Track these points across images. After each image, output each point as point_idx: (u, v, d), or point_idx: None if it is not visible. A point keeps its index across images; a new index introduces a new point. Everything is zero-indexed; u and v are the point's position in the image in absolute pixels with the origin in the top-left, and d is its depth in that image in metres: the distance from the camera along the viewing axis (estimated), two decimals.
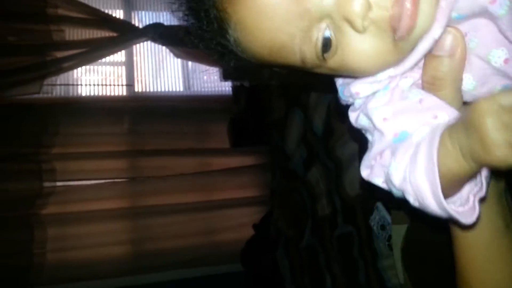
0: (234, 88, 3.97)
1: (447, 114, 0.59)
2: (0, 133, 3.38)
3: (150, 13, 4.04)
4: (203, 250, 3.73)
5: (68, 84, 3.80)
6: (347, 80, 0.69)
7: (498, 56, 0.59)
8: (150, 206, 3.70)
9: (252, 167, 3.91)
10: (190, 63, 4.15)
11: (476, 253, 0.73)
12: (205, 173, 3.83)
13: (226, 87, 4.14)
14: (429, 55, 0.62)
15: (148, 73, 4.03)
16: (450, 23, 0.60)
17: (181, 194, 3.77)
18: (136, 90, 3.98)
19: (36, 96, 3.59)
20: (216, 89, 4.25)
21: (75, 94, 3.83)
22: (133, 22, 3.95)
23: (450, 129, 0.54)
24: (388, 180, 0.61)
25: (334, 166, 2.09)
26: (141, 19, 4.04)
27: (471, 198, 0.59)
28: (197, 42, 0.72)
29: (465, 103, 0.65)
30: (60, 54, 3.60)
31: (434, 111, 0.60)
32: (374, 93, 0.65)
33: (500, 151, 0.48)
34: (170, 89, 4.12)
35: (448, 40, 0.60)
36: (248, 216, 3.72)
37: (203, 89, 4.23)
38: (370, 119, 0.64)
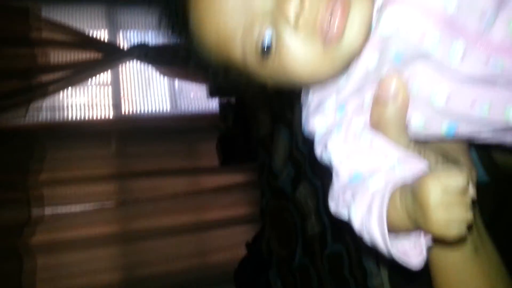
0: (221, 105, 3.95)
1: (397, 153, 0.66)
2: None
3: (136, 31, 4.03)
4: (196, 272, 3.66)
5: (54, 108, 3.76)
6: (308, 113, 0.74)
7: (440, 95, 0.64)
8: (141, 230, 3.63)
9: (242, 185, 3.87)
10: (176, 82, 4.14)
11: (449, 275, 0.78)
12: (196, 192, 3.78)
13: (213, 104, 4.11)
14: (374, 99, 0.68)
15: (135, 93, 4.00)
16: (390, 69, 0.66)
17: (172, 215, 3.71)
18: (123, 110, 3.94)
19: (21, 121, 3.54)
20: (203, 107, 4.22)
21: (61, 117, 3.79)
22: (118, 42, 3.94)
23: (401, 193, 0.60)
24: (350, 220, 0.67)
25: (321, 183, 2.05)
26: (128, 37, 4.03)
27: (422, 241, 0.63)
28: (169, 30, 0.80)
29: (418, 141, 0.71)
30: (45, 78, 3.57)
31: (384, 151, 0.66)
32: (329, 131, 0.70)
33: (439, 227, 0.55)
34: (157, 109, 4.08)
35: (391, 85, 0.66)
36: (241, 235, 3.66)
37: (190, 108, 4.20)
38: (329, 158, 0.70)
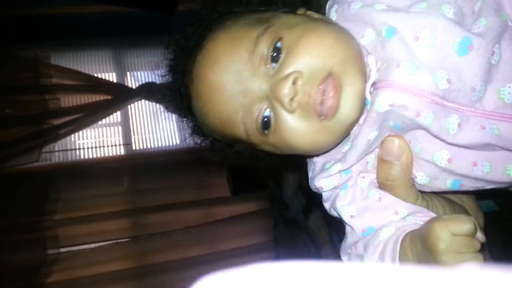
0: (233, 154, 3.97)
1: (406, 209, 0.69)
2: (1, 204, 3.39)
3: (143, 72, 4.14)
4: None
5: (66, 150, 3.84)
6: (314, 174, 0.80)
7: (441, 158, 0.68)
8: (156, 264, 3.64)
9: (254, 213, 3.87)
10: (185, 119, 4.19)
11: None
12: (209, 224, 3.79)
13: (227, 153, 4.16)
14: (380, 160, 0.73)
15: (145, 131, 4.08)
16: (391, 132, 0.70)
17: (187, 248, 3.72)
18: (133, 148, 4.02)
19: (35, 164, 3.62)
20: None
21: (73, 158, 3.87)
22: (127, 82, 4.05)
23: (410, 240, 0.63)
24: None
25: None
26: (135, 78, 4.13)
27: None
28: (177, 116, 0.92)
29: (423, 192, 0.75)
30: (56, 122, 3.67)
31: (394, 208, 0.70)
32: (335, 188, 0.75)
33: None
34: (167, 144, 4.15)
35: (394, 147, 0.70)
36: (256, 264, 3.64)
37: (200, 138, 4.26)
38: (339, 215, 0.74)
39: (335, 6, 0.79)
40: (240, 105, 0.74)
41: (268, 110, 0.73)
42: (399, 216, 0.69)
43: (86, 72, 3.81)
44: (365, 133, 0.69)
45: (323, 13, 0.85)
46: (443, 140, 0.66)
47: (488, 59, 0.64)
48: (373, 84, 0.70)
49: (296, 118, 0.70)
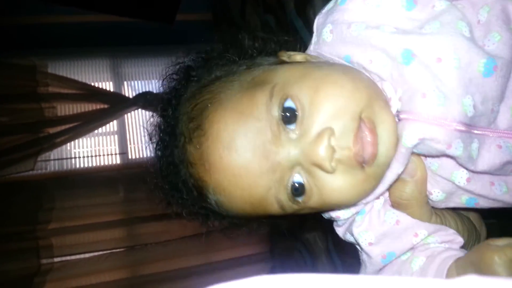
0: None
1: (425, 230, 0.67)
2: None
3: (140, 82, 4.15)
4: None
5: (62, 159, 3.83)
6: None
7: (460, 177, 0.65)
8: (152, 274, 3.61)
9: None
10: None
11: None
12: (204, 234, 3.75)
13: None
14: None
15: (141, 140, 4.08)
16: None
17: (182, 258, 3.69)
18: (130, 157, 4.01)
19: (30, 172, 3.60)
20: None
21: (69, 167, 3.85)
22: (124, 92, 4.05)
23: (457, 269, 0.60)
24: None
25: (330, 222, 2.07)
26: (132, 88, 4.14)
27: None
28: (180, 209, 0.82)
29: (436, 208, 0.72)
30: (52, 130, 3.66)
31: (413, 230, 0.67)
32: (353, 216, 0.71)
33: None
34: None
35: (409, 165, 0.66)
36: (252, 275, 3.50)
37: None
38: (357, 242, 0.70)
39: (329, 26, 0.72)
40: (270, 181, 0.65)
41: (298, 175, 0.66)
42: (419, 238, 0.66)
43: (83, 80, 3.81)
44: (395, 169, 0.65)
45: (310, 32, 0.78)
46: (468, 169, 0.63)
47: (507, 79, 0.62)
48: (397, 113, 0.65)
49: (339, 176, 0.64)
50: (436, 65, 0.60)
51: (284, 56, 0.76)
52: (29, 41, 3.57)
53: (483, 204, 0.68)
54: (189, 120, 0.72)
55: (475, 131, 0.62)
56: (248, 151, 0.65)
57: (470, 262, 0.60)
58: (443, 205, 0.71)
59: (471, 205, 0.69)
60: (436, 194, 0.69)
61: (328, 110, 0.63)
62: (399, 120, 0.64)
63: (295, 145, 0.64)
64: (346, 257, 1.98)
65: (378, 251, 0.68)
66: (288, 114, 0.64)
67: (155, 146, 0.82)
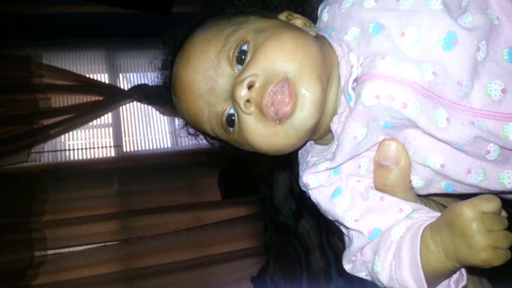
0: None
1: (409, 205, 0.68)
2: None
3: (136, 74, 4.12)
4: None
5: (56, 150, 3.80)
6: (302, 171, 0.78)
7: (434, 162, 0.67)
8: (145, 268, 3.61)
9: (245, 218, 3.87)
10: (176, 119, 4.18)
11: None
12: (199, 228, 3.77)
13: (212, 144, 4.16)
14: (377, 165, 0.71)
15: (136, 133, 4.06)
16: (383, 134, 0.69)
17: (176, 251, 3.69)
18: (124, 150, 3.99)
19: (24, 164, 3.57)
20: (204, 142, 4.26)
21: (63, 159, 3.83)
22: (119, 84, 4.02)
23: (432, 231, 0.62)
24: (374, 277, 0.69)
25: (323, 217, 2.07)
26: (127, 80, 4.11)
27: (452, 286, 0.65)
28: (167, 113, 1.00)
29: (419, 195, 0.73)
30: (47, 122, 3.63)
31: (397, 206, 0.68)
32: (321, 187, 0.74)
33: (486, 254, 0.55)
34: (158, 146, 4.13)
35: (391, 151, 0.69)
36: (246, 269, 3.63)
37: (190, 144, 4.25)
38: (342, 222, 0.71)
39: (327, 8, 0.80)
40: (205, 104, 0.78)
41: (232, 109, 0.77)
42: (404, 213, 0.68)
43: (78, 72, 3.78)
44: (350, 128, 0.68)
45: (315, 17, 0.85)
46: (433, 136, 0.64)
47: (473, 54, 0.64)
48: (356, 79, 0.70)
49: (253, 120, 0.73)
50: (399, 38, 0.66)
51: (284, 14, 0.87)
52: (23, 31, 3.53)
53: (461, 190, 0.70)
54: (182, 37, 0.87)
55: (444, 101, 0.64)
56: (196, 72, 0.78)
57: (442, 221, 0.61)
58: (424, 192, 0.73)
59: (450, 190, 0.70)
60: (416, 181, 0.71)
61: (262, 61, 0.73)
62: (357, 84, 0.69)
63: (231, 81, 0.75)
64: (339, 251, 1.98)
65: (365, 227, 0.69)
66: (242, 56, 0.76)
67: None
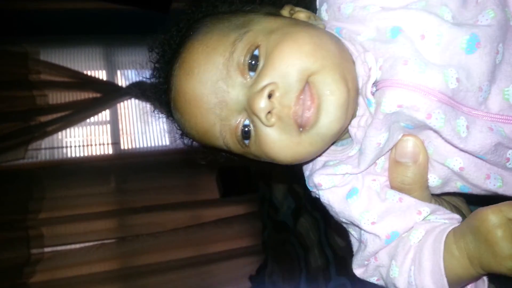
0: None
1: (428, 207, 0.65)
2: None
3: (134, 71, 4.09)
4: None
5: (53, 148, 3.78)
6: (312, 171, 0.74)
7: (453, 164, 0.64)
8: (142, 266, 3.60)
9: (243, 216, 3.86)
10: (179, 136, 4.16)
11: None
12: (197, 226, 3.76)
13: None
14: (393, 162, 0.67)
15: (134, 130, 4.03)
16: (404, 132, 0.65)
17: (174, 250, 3.68)
18: (122, 147, 3.96)
19: (21, 161, 3.55)
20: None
21: (60, 156, 3.80)
22: (117, 81, 3.99)
23: (455, 237, 0.59)
24: (389, 282, 0.66)
25: (322, 216, 2.06)
26: (125, 77, 4.08)
27: None
28: (168, 119, 0.89)
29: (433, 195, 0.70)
30: (44, 119, 3.61)
31: (416, 208, 0.65)
32: (334, 187, 0.70)
33: (511, 262, 0.53)
34: (156, 144, 4.11)
35: (410, 147, 0.65)
36: (244, 267, 3.63)
37: (189, 141, 4.22)
38: (358, 224, 0.68)
39: (325, 6, 0.76)
40: (217, 118, 0.71)
41: (247, 120, 0.70)
42: (422, 216, 0.64)
43: (76, 69, 3.75)
44: (373, 136, 0.64)
45: (314, 8, 0.81)
46: (455, 146, 0.62)
47: (494, 57, 0.61)
48: (375, 83, 0.65)
49: (276, 132, 0.67)
50: (420, 42, 0.62)
51: (286, 10, 0.80)
52: (20, 27, 3.50)
53: (476, 192, 0.68)
54: (176, 43, 0.80)
55: (463, 108, 0.61)
56: (203, 84, 0.70)
57: (467, 227, 0.58)
58: (439, 191, 0.70)
59: (465, 191, 0.68)
60: (433, 179, 0.68)
61: (279, 66, 0.66)
62: (377, 89, 0.64)
63: (245, 91, 0.68)
64: (338, 249, 1.97)
65: (383, 230, 0.65)
66: (253, 62, 0.68)
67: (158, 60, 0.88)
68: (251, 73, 0.69)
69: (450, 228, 0.61)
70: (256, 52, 0.69)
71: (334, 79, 0.64)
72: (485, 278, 0.62)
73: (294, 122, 0.65)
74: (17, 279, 3.30)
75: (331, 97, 0.64)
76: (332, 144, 0.76)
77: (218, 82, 0.69)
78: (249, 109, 0.67)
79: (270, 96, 0.65)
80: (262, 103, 0.64)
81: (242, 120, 0.70)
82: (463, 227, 0.59)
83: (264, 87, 0.65)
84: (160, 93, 0.84)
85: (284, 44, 0.67)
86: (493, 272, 0.56)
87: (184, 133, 0.84)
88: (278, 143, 0.67)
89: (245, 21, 0.74)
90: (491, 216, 0.54)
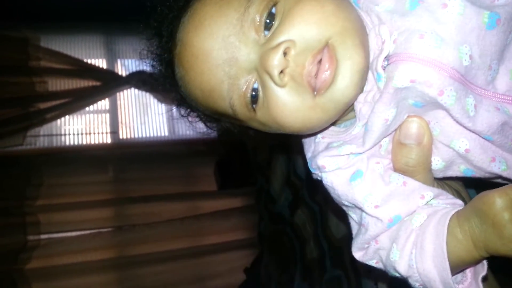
0: (219, 130, 3.96)
1: (431, 191, 0.64)
2: None
3: (134, 60, 4.08)
4: None
5: (51, 135, 3.77)
6: (314, 153, 0.72)
7: (459, 146, 0.63)
8: (138, 255, 3.60)
9: (240, 209, 3.87)
10: (174, 107, 4.16)
11: None
12: (193, 217, 3.77)
13: (211, 129, 4.15)
14: (397, 144, 0.66)
15: (133, 120, 4.03)
16: (411, 112, 0.64)
17: (170, 240, 3.69)
18: (120, 137, 3.96)
19: (19, 148, 3.55)
20: (202, 131, 4.25)
21: (59, 144, 3.80)
22: (117, 70, 3.98)
23: (459, 220, 0.58)
24: (389, 265, 0.65)
25: (319, 208, 2.07)
26: (126, 66, 4.07)
27: (469, 274, 0.62)
28: (160, 86, 0.82)
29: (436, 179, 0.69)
30: (43, 105, 3.60)
31: (419, 192, 0.64)
32: (338, 169, 0.68)
33: None
34: (155, 134, 4.11)
35: (414, 128, 0.64)
36: (239, 260, 3.64)
37: (188, 133, 4.22)
38: (361, 207, 0.66)
39: None
40: (225, 76, 0.66)
41: (256, 82, 0.66)
42: (425, 200, 0.64)
43: (76, 56, 3.74)
44: (381, 112, 0.62)
45: None
46: (463, 125, 0.61)
47: (507, 36, 0.61)
48: (387, 57, 0.63)
49: (287, 93, 0.63)
50: (441, 10, 0.59)
51: None
52: (21, 13, 3.48)
53: (480, 175, 0.67)
54: None
55: (472, 86, 0.61)
56: (213, 38, 0.66)
57: (471, 209, 0.58)
58: (441, 175, 0.69)
59: (468, 175, 0.68)
60: (436, 162, 0.67)
61: (299, 24, 0.62)
62: (389, 63, 0.62)
63: (258, 49, 0.65)
64: (335, 241, 1.98)
65: (386, 214, 0.64)
66: (268, 20, 0.65)
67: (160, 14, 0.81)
68: (266, 32, 0.65)
69: (453, 211, 0.61)
70: (273, 11, 0.65)
71: (354, 44, 0.62)
72: (484, 262, 0.62)
73: (307, 83, 0.62)
74: (12, 265, 3.30)
75: (349, 61, 0.61)
76: (334, 125, 0.74)
77: (230, 37, 0.65)
78: (260, 67, 0.63)
79: (285, 54, 0.62)
80: (276, 60, 0.61)
81: (252, 81, 0.66)
82: (468, 210, 0.59)
83: (280, 43, 0.62)
84: (162, 52, 0.78)
85: (306, 2, 0.63)
86: (498, 254, 0.56)
87: (184, 99, 0.78)
88: (289, 105, 0.64)
89: None
90: (498, 199, 0.54)
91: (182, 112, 0.85)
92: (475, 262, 0.60)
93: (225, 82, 0.67)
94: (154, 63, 0.81)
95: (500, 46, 0.60)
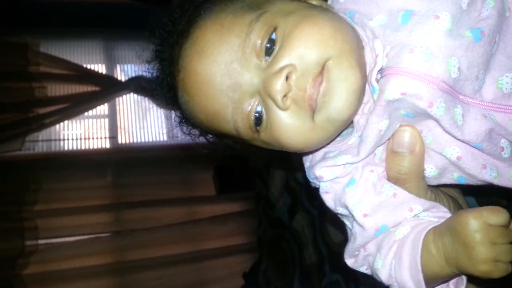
0: (222, 146, 3.96)
1: (420, 205, 0.66)
2: None
3: (133, 65, 4.09)
4: None
5: (50, 140, 3.77)
6: (312, 163, 0.75)
7: (451, 154, 0.65)
8: (136, 260, 3.60)
9: (239, 214, 3.87)
10: (173, 112, 4.16)
11: None
12: (192, 222, 3.76)
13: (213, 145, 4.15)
14: (390, 152, 0.68)
15: (132, 125, 4.04)
16: (403, 122, 0.66)
17: (169, 245, 3.68)
18: (119, 142, 3.96)
19: (18, 153, 3.54)
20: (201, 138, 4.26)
21: (57, 149, 3.80)
22: (116, 75, 3.99)
23: (435, 236, 0.61)
24: (374, 273, 0.68)
25: (318, 213, 2.07)
26: (125, 71, 4.08)
27: (452, 287, 0.64)
28: (164, 106, 0.82)
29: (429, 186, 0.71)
30: (42, 110, 3.60)
31: (408, 204, 0.66)
32: (336, 178, 0.71)
33: (485, 266, 0.55)
34: (154, 139, 4.11)
35: (406, 137, 0.66)
36: (238, 265, 3.63)
37: (187, 138, 4.22)
38: (351, 213, 0.69)
39: None
40: (229, 101, 0.68)
41: (260, 105, 0.68)
42: (414, 213, 0.66)
43: (75, 62, 3.75)
44: (375, 123, 0.65)
45: None
46: (453, 135, 0.63)
47: (492, 47, 0.63)
48: (380, 70, 0.66)
49: (289, 116, 0.66)
50: (433, 21, 0.61)
51: None
52: (21, 18, 3.50)
53: (472, 183, 0.69)
54: (185, 22, 0.77)
55: (460, 96, 0.63)
56: (216, 65, 0.68)
57: (446, 227, 0.60)
58: (435, 182, 0.71)
59: (462, 182, 0.69)
60: (430, 169, 0.69)
61: (298, 48, 0.64)
62: (382, 76, 0.64)
63: (260, 74, 0.67)
64: (333, 245, 1.98)
65: (373, 223, 0.67)
66: (269, 45, 0.67)
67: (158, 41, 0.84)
68: (267, 58, 0.67)
69: (431, 226, 0.63)
70: (273, 36, 0.67)
71: (350, 65, 0.64)
72: (463, 277, 0.64)
73: (308, 106, 0.64)
74: (10, 270, 3.29)
75: (345, 82, 0.63)
76: None
77: (233, 63, 0.67)
78: (264, 92, 0.66)
79: (286, 78, 0.64)
80: (279, 85, 0.63)
81: (255, 104, 0.68)
82: (443, 227, 0.61)
83: (282, 68, 0.64)
84: (164, 76, 0.80)
85: (305, 25, 0.65)
86: (467, 273, 0.58)
87: (187, 119, 0.81)
88: (291, 127, 0.66)
89: (259, 2, 0.72)
90: (472, 220, 0.56)
91: (185, 129, 0.89)
92: (449, 277, 0.62)
93: (229, 106, 0.69)
94: (156, 86, 0.84)
95: (487, 56, 0.62)
